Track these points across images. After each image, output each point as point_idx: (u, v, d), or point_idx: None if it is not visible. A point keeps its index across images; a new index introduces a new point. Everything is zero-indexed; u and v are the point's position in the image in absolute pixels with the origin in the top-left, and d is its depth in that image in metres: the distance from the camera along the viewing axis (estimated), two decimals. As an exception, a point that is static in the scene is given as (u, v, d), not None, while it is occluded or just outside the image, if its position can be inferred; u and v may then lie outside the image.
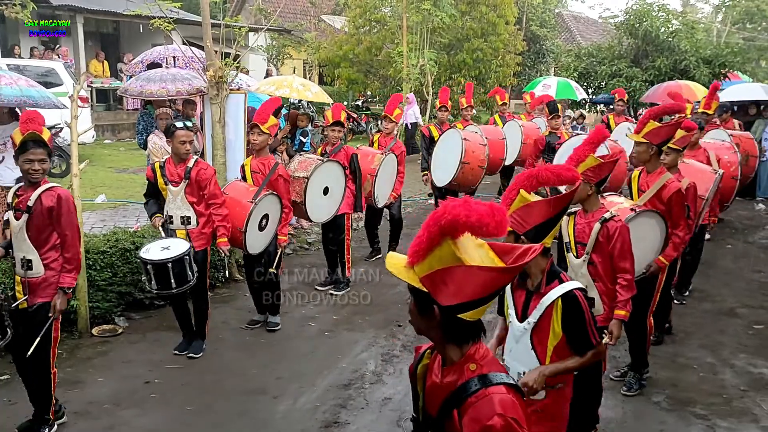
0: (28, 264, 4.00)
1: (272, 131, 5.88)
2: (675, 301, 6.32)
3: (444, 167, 8.37)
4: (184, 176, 5.21)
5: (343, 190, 6.78)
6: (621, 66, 16.50)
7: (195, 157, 5.36)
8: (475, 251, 1.82)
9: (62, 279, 4.03)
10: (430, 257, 1.80)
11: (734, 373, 5.35)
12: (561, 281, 2.86)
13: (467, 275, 1.79)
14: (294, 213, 6.48)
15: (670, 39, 16.84)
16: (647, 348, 4.98)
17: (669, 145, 4.98)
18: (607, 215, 3.87)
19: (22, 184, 4.10)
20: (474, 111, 10.76)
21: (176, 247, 5.05)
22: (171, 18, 7.76)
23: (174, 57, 10.69)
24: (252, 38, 13.09)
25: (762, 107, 12.58)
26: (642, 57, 16.88)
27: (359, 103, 20.96)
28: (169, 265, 4.93)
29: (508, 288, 2.94)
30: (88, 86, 16.74)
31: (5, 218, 4.18)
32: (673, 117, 5.33)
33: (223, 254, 5.60)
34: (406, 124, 15.69)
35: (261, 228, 5.70)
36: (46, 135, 3.97)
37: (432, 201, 11.69)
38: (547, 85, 15.81)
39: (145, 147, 7.60)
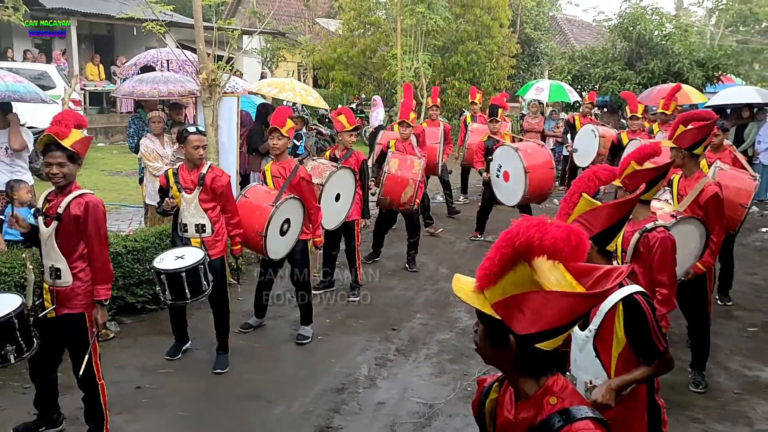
0: (56, 273, 3.87)
1: (290, 134, 5.82)
2: (719, 302, 6.71)
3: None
4: (198, 183, 5.09)
5: (353, 196, 6.73)
6: (614, 69, 16.53)
7: (209, 162, 5.27)
8: (551, 273, 1.66)
9: (97, 292, 3.89)
10: (502, 281, 1.66)
11: (729, 376, 5.34)
12: (621, 285, 2.72)
13: (546, 301, 1.64)
14: None
15: (663, 42, 16.89)
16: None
17: (669, 144, 4.84)
18: (649, 225, 3.75)
19: (52, 189, 3.95)
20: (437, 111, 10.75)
21: (191, 256, 4.94)
22: (164, 21, 7.73)
23: (168, 60, 10.64)
24: (246, 41, 13.07)
25: (755, 110, 12.62)
26: (635, 60, 16.92)
27: (354, 105, 20.93)
28: (183, 274, 4.81)
29: None
30: (81, 89, 16.67)
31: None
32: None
33: (234, 263, 5.50)
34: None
35: (282, 233, 5.56)
36: (73, 137, 3.79)
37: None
38: (540, 89, 15.83)
39: (136, 150, 7.55)
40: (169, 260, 4.93)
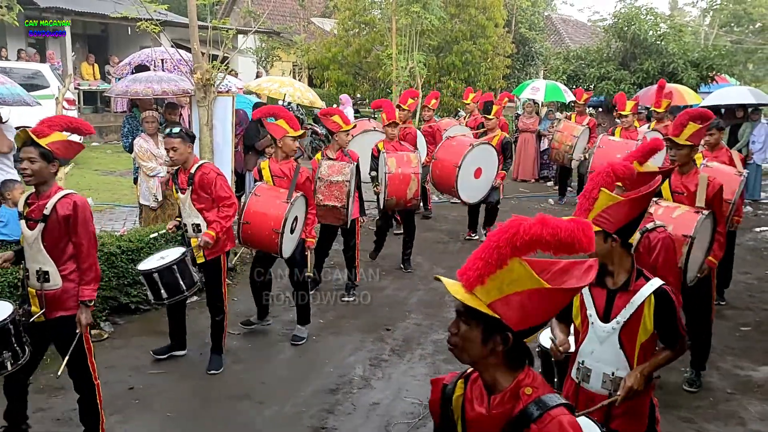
0: (44, 276, 3.78)
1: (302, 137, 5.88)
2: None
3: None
4: (188, 183, 5.10)
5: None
6: (609, 69, 16.56)
7: (201, 161, 5.24)
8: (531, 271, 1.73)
9: (82, 292, 3.83)
10: (495, 280, 1.71)
11: (721, 375, 5.36)
12: (646, 278, 2.83)
13: (546, 298, 1.71)
14: (327, 219, 6.56)
15: (658, 42, 16.92)
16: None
17: (682, 142, 4.72)
18: (649, 225, 3.79)
19: (32, 191, 3.88)
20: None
21: (171, 256, 4.96)
22: (159, 20, 7.72)
23: (162, 59, 10.62)
24: (241, 40, 13.05)
25: (749, 110, 12.66)
26: (630, 60, 16.95)
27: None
28: (155, 275, 4.84)
29: (585, 288, 2.81)
30: (75, 88, 16.63)
31: None
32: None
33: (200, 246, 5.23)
34: None
35: (292, 230, 5.61)
36: (52, 138, 3.74)
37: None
38: (536, 88, 15.86)
39: (130, 150, 7.53)
40: (151, 261, 4.97)
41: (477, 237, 9.19)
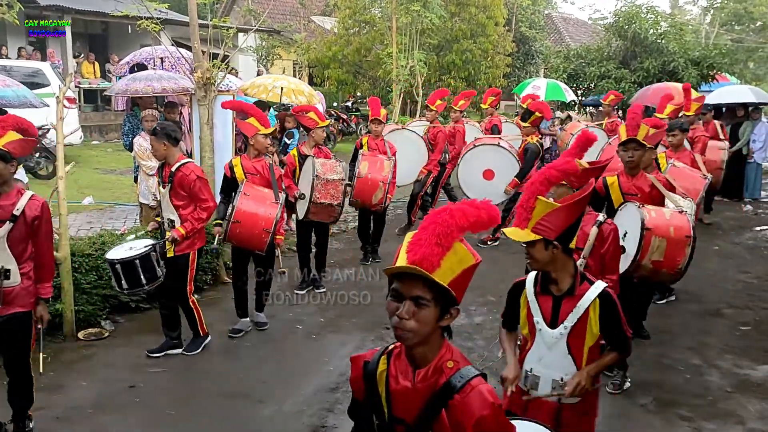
0: (6, 274, 3.87)
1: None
2: (656, 302, 6.57)
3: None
4: (168, 179, 5.21)
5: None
6: (610, 67, 16.55)
7: (184, 160, 5.27)
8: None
9: (43, 290, 4.02)
10: (446, 262, 1.87)
11: (720, 374, 5.36)
12: (590, 282, 2.87)
13: (473, 272, 1.93)
14: (319, 216, 6.63)
15: (658, 41, 16.91)
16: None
17: (643, 142, 4.97)
18: (600, 218, 3.91)
19: None
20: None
21: (137, 248, 5.13)
22: (159, 19, 7.71)
23: (162, 58, 10.63)
24: (241, 39, 13.04)
25: (750, 109, 12.66)
26: (631, 58, 16.95)
27: (349, 104, 20.94)
28: (118, 266, 5.03)
29: (531, 296, 2.93)
30: (76, 87, 16.63)
31: None
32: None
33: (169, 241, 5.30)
34: None
35: None
36: (7, 138, 3.83)
37: None
38: (537, 87, 15.85)
39: (130, 149, 7.55)
40: (118, 251, 5.18)
41: (476, 235, 9.15)
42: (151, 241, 5.23)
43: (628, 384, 4.98)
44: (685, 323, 6.39)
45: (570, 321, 2.84)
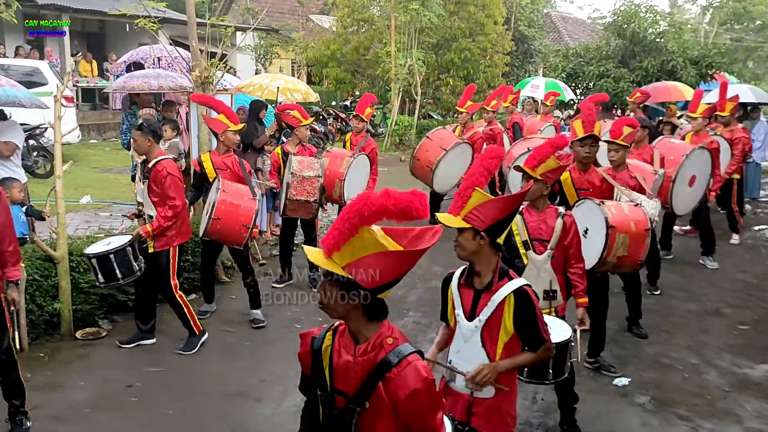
0: None
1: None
2: (648, 292, 6.70)
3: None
4: (145, 175, 5.31)
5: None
6: (608, 66, 16.56)
7: (162, 157, 5.28)
8: (383, 236, 2.02)
9: (12, 274, 4.07)
10: (348, 246, 1.99)
11: (718, 373, 5.36)
12: (510, 278, 2.89)
13: (390, 259, 2.00)
14: (297, 212, 6.65)
15: (657, 40, 16.91)
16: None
17: (618, 141, 5.23)
18: (561, 210, 4.05)
19: None
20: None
21: (115, 244, 5.21)
22: (157, 17, 7.69)
23: (159, 57, 10.61)
24: (239, 38, 13.02)
25: (749, 108, 12.64)
26: (629, 57, 16.95)
27: (347, 102, 20.91)
28: (93, 260, 5.15)
29: (455, 289, 2.99)
30: (74, 86, 16.60)
31: None
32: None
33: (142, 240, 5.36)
34: None
35: None
36: None
37: None
38: (536, 86, 15.86)
39: (128, 148, 7.53)
40: (97, 246, 5.28)
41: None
42: (127, 237, 5.33)
43: (613, 369, 5.13)
44: (683, 322, 6.39)
45: (485, 314, 2.87)
